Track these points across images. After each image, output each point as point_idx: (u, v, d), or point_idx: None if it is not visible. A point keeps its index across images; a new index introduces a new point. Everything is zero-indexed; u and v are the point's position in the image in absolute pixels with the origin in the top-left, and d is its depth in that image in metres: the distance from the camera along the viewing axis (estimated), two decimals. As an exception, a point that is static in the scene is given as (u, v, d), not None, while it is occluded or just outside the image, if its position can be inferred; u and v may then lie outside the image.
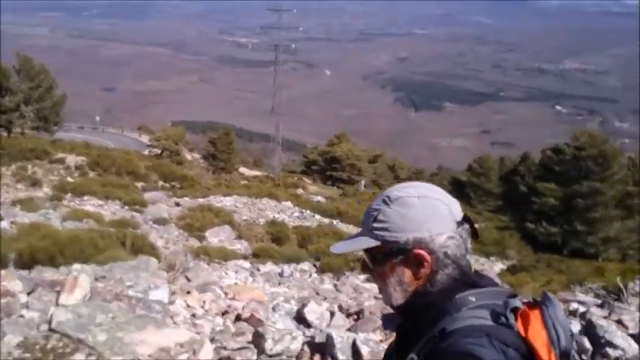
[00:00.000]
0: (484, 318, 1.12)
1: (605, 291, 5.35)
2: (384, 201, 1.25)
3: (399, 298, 1.25)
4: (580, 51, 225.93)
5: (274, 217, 15.76)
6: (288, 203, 18.77)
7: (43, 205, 12.78)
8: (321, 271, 10.38)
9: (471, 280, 1.22)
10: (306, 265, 10.07)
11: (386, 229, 1.22)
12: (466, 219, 1.25)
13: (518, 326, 1.10)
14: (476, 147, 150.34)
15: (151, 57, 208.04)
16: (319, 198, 21.93)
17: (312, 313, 4.40)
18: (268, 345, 3.24)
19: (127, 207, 14.26)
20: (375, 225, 1.24)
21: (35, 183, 17.75)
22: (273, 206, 17.43)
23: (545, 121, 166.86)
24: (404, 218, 1.21)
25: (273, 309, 4.44)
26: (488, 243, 17.29)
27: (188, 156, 31.40)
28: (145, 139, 42.86)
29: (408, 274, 1.23)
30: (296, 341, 3.37)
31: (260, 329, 3.33)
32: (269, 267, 8.71)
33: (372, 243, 1.24)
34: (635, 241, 18.07)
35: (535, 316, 1.11)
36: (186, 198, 17.55)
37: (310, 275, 8.93)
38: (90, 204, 14.29)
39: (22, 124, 25.51)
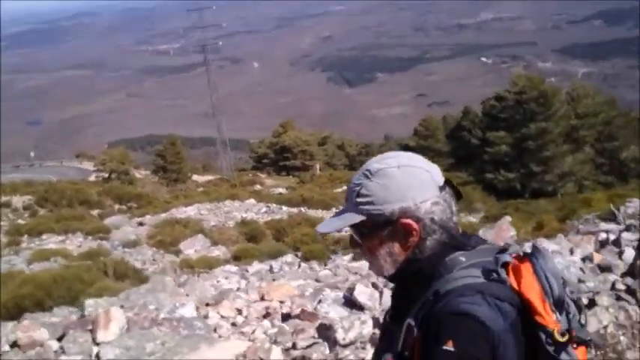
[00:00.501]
0: (476, 276, 1.13)
1: (600, 218, 5.56)
2: (364, 175, 1.24)
3: (389, 269, 1.26)
4: (491, 1, 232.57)
5: (242, 217, 15.56)
6: (252, 201, 18.57)
7: (3, 253, 12.13)
8: (305, 259, 10.36)
9: (459, 241, 1.23)
10: (289, 257, 10.01)
11: (370, 203, 1.22)
12: (447, 182, 1.26)
13: (511, 280, 1.12)
14: (414, 111, 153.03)
15: (71, 81, 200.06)
16: (280, 190, 21.81)
17: (362, 294, 4.32)
18: (340, 335, 3.17)
19: (90, 237, 13.74)
20: (359, 200, 1.23)
21: (-15, 232, 16.79)
22: (238, 206, 17.20)
23: (474, 73, 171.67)
24: (386, 190, 1.21)
25: (320, 301, 4.34)
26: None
27: (137, 174, 30.48)
28: (87, 165, 41.31)
29: (397, 244, 1.24)
30: (366, 325, 3.30)
31: (324, 321, 3.25)
32: (256, 266, 8.60)
33: (358, 218, 1.23)
34: (589, 171, 18.94)
35: (526, 268, 1.13)
36: (147, 216, 17.07)
37: (299, 266, 8.87)
38: (51, 242, 13.70)
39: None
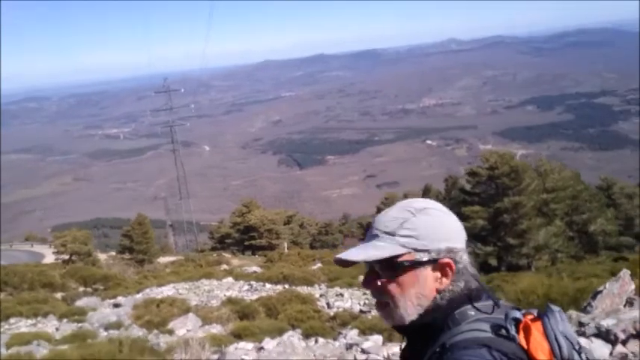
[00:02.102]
0: (484, 330, 1.13)
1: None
2: (407, 210, 1.24)
3: (413, 313, 1.22)
4: (433, 88, 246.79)
5: (225, 295, 14.96)
6: (230, 279, 17.97)
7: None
8: (306, 336, 10.02)
9: (475, 293, 1.23)
10: (295, 333, 9.63)
11: (414, 237, 1.20)
12: None
13: (520, 338, 1.10)
14: (364, 192, 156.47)
15: (16, 165, 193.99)
16: (255, 268, 21.24)
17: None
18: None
19: (65, 319, 12.80)
20: (402, 233, 1.21)
21: (-59, 321, 15.46)
22: (218, 285, 16.58)
23: (420, 155, 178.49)
24: (432, 228, 1.21)
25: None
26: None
27: (100, 255, 29.20)
28: (38, 249, 39.31)
29: (430, 284, 1.22)
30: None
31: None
32: (271, 343, 8.15)
33: (400, 250, 1.20)
34: (561, 244, 19.57)
35: (537, 327, 1.12)
36: (120, 297, 16.19)
37: (316, 342, 8.48)
38: (21, 325, 12.70)
39: None
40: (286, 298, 13.37)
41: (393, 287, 1.22)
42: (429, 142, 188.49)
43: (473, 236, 19.89)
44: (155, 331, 10.42)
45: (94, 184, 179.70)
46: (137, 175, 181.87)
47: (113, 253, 33.37)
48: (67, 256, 24.92)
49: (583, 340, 3.33)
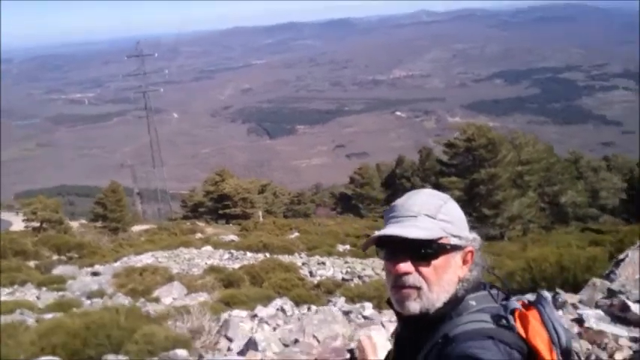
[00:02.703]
0: (485, 321, 1.14)
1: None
2: (438, 197, 1.26)
3: (441, 300, 1.21)
4: (403, 60, 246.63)
5: (206, 263, 14.92)
6: (209, 248, 17.91)
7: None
8: (296, 304, 10.08)
9: (481, 284, 1.26)
10: (285, 302, 9.67)
11: (450, 223, 1.22)
12: None
13: (518, 327, 1.12)
14: (334, 162, 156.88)
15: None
16: (232, 237, 21.19)
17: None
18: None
19: (44, 288, 12.57)
20: (441, 217, 1.22)
21: None
22: (198, 254, 16.50)
23: (389, 127, 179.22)
24: (460, 215, 1.26)
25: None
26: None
27: (72, 223, 28.59)
28: (5, 216, 38.26)
29: (456, 271, 1.23)
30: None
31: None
32: (265, 311, 8.19)
33: (441, 233, 1.21)
34: (533, 214, 20.12)
35: (533, 316, 1.14)
36: (97, 266, 15.98)
37: (309, 309, 8.55)
38: (2, 293, 12.40)
39: None
40: (269, 266, 13.40)
41: (429, 271, 1.20)
42: (398, 113, 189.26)
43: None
44: (142, 300, 10.35)
45: (59, 150, 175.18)
46: (103, 141, 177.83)
47: (84, 221, 32.75)
48: (37, 224, 24.36)
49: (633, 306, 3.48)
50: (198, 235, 25.53)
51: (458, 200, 1.34)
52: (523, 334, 1.09)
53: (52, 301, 10.57)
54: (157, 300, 10.62)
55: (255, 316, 8.04)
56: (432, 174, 30.16)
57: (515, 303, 1.15)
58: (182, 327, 5.87)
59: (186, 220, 36.78)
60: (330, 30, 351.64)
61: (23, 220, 25.80)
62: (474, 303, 1.18)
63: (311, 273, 13.43)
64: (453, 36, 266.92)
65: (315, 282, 12.42)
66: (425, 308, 1.20)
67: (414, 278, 1.20)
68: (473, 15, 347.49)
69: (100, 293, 11.64)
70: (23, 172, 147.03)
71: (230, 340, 5.72)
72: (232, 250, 16.67)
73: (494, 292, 1.23)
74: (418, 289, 1.20)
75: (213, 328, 5.85)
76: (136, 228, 31.02)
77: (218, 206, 34.51)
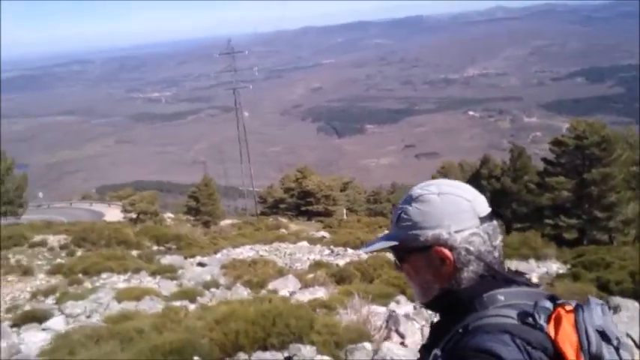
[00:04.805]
0: (510, 317, 1.10)
1: None
2: (406, 200, 1.26)
3: (424, 296, 1.26)
4: (477, 58, 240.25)
5: (308, 258, 14.78)
6: (305, 243, 17.79)
7: (76, 291, 11.20)
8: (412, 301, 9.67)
9: (501, 277, 1.19)
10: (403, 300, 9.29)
11: (408, 227, 1.22)
12: (495, 214, 1.23)
13: (549, 328, 1.07)
14: (402, 162, 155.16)
15: (61, 127, 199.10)
16: (322, 233, 21.04)
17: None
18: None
19: (159, 276, 12.81)
20: (399, 224, 1.24)
21: (27, 271, 15.83)
22: (297, 249, 16.42)
23: (461, 127, 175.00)
24: (423, 215, 1.20)
25: None
26: (517, 246, 16.94)
27: (167, 215, 29.54)
28: (97, 207, 40.13)
29: (430, 272, 1.22)
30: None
31: None
32: (403, 308, 7.83)
33: (392, 242, 1.24)
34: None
35: (568, 319, 1.08)
36: (198, 257, 16.21)
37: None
38: (114, 281, 12.81)
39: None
40: (377, 263, 13.08)
41: (405, 273, 1.28)
42: (471, 113, 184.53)
43: (555, 208, 19.14)
44: (263, 291, 10.28)
45: (136, 146, 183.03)
46: (177, 138, 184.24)
47: (170, 214, 33.75)
48: (134, 215, 25.29)
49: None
50: (282, 231, 25.64)
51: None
52: (553, 336, 1.06)
53: (177, 290, 10.72)
54: (274, 292, 10.53)
55: (394, 312, 7.69)
56: (523, 174, 28.87)
57: (548, 302, 1.11)
58: (347, 320, 5.61)
59: (265, 216, 37.19)
60: (400, 28, 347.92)
61: (122, 211, 26.90)
62: (502, 298, 1.14)
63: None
64: (530, 32, 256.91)
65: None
66: (417, 300, 1.33)
67: (405, 278, 1.31)
68: (552, 11, 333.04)
69: (215, 284, 11.73)
70: (103, 168, 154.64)
71: (402, 335, 5.40)
72: (332, 247, 16.48)
73: (533, 290, 1.18)
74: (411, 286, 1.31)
75: (375, 322, 5.57)
76: (224, 222, 31.63)
77: (300, 203, 34.57)
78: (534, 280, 12.31)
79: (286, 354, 4.68)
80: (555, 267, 13.60)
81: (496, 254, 1.21)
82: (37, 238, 18.55)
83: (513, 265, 14.17)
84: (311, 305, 7.38)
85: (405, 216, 1.22)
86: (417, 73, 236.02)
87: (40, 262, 17.33)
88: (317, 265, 13.40)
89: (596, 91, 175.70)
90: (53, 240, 18.77)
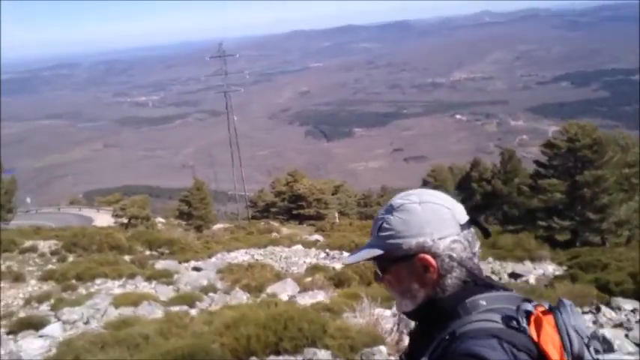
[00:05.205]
0: (494, 321, 1.12)
1: None
2: (387, 209, 1.27)
3: (408, 305, 1.26)
4: (463, 62, 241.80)
5: (304, 262, 14.73)
6: (299, 247, 17.73)
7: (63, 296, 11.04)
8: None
9: (481, 283, 1.22)
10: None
11: (390, 237, 1.23)
12: (473, 221, 1.26)
13: (531, 331, 1.10)
14: (391, 165, 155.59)
15: (47, 131, 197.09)
16: (316, 237, 20.99)
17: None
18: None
19: (155, 281, 12.68)
20: (380, 234, 1.25)
21: (18, 277, 15.60)
22: (292, 252, 16.35)
23: (449, 130, 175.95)
24: (406, 224, 1.22)
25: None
26: (510, 248, 17.05)
27: (157, 220, 29.28)
28: (86, 212, 39.73)
29: (415, 280, 1.24)
30: None
31: None
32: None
33: (377, 252, 1.25)
34: (643, 220, 18.91)
35: (548, 321, 1.11)
36: (192, 262, 16.10)
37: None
38: (108, 286, 12.67)
39: (-25, 217, 22.63)
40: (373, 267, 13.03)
41: (386, 284, 1.29)
42: (458, 116, 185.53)
43: (547, 209, 19.31)
44: (263, 295, 10.21)
45: (124, 150, 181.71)
46: (165, 143, 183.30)
47: (161, 219, 33.49)
48: (125, 220, 25.05)
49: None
50: (274, 235, 25.53)
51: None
52: (535, 338, 1.08)
53: (174, 295, 10.61)
54: (274, 296, 10.47)
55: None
56: (514, 176, 29.04)
57: (530, 305, 1.13)
58: (356, 323, 5.56)
59: (256, 220, 37.04)
60: (388, 32, 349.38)
61: (113, 216, 26.64)
62: (484, 303, 1.16)
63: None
64: (516, 37, 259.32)
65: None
66: (399, 310, 1.31)
67: (386, 288, 1.32)
68: (537, 15, 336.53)
69: (213, 288, 11.64)
70: (90, 172, 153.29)
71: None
72: (327, 250, 16.43)
73: (511, 294, 1.20)
74: (392, 296, 1.31)
75: (385, 325, 5.53)
76: (216, 226, 31.44)
77: (291, 206, 34.48)
78: (532, 281, 12.38)
79: (300, 358, 4.64)
80: (551, 268, 13.68)
81: (476, 260, 1.24)
82: (27, 243, 18.33)
83: (509, 267, 14.24)
84: (314, 309, 7.34)
85: (387, 225, 1.23)
86: (405, 76, 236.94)
87: (30, 268, 17.09)
88: (314, 268, 13.39)
89: (581, 94, 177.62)
90: (44, 245, 18.55)
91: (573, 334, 1.09)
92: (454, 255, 1.19)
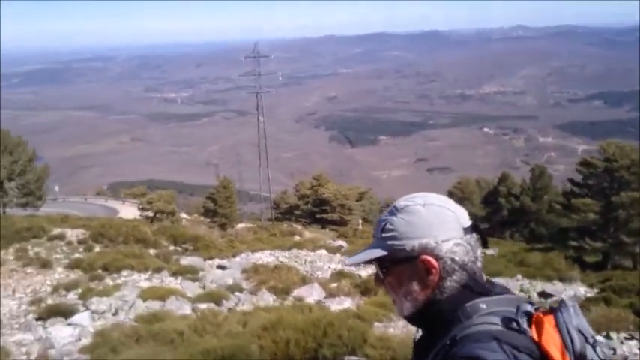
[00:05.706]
0: (495, 323, 1.13)
1: None
2: (391, 211, 1.27)
3: (409, 308, 1.26)
4: (494, 75, 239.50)
5: (329, 267, 14.62)
6: (324, 251, 17.62)
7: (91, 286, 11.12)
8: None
9: (481, 287, 1.22)
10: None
11: (393, 238, 1.24)
12: (475, 227, 1.25)
13: (532, 331, 1.10)
14: (414, 175, 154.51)
15: (77, 121, 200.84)
16: (340, 242, 20.86)
17: None
18: None
19: (180, 277, 12.70)
20: (384, 235, 1.25)
21: (45, 264, 15.80)
22: (320, 256, 16.25)
23: (475, 143, 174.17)
24: (409, 225, 1.22)
25: None
26: (540, 266, 16.68)
27: (183, 216, 29.50)
28: (112, 204, 40.24)
29: (416, 282, 1.24)
30: None
31: None
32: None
33: (380, 252, 1.25)
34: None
35: (549, 321, 1.11)
36: (217, 259, 16.11)
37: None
38: (134, 279, 12.74)
39: (8, 202, 23.06)
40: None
41: (387, 286, 1.28)
42: (485, 129, 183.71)
43: (580, 230, 18.92)
44: (290, 298, 10.15)
45: (150, 145, 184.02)
46: (191, 139, 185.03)
47: (185, 215, 33.70)
48: (151, 214, 25.30)
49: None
50: (297, 238, 25.47)
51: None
52: (536, 339, 1.09)
53: (201, 291, 10.62)
54: (300, 300, 10.39)
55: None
56: (543, 194, 28.50)
57: (529, 306, 1.14)
58: (391, 333, 5.44)
59: (278, 222, 37.05)
60: (420, 42, 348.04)
61: (139, 209, 26.94)
62: (484, 306, 1.16)
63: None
64: (549, 53, 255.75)
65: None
66: (400, 314, 1.29)
67: (386, 291, 1.31)
68: (573, 32, 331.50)
69: (238, 287, 11.61)
70: (116, 164, 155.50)
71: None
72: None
73: (510, 296, 1.21)
74: (393, 299, 1.30)
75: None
76: (239, 226, 31.51)
77: (315, 210, 34.41)
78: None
79: (340, 366, 4.55)
80: (583, 290, 13.34)
81: (478, 264, 1.23)
82: (56, 231, 18.57)
83: (539, 285, 13.92)
84: (346, 316, 7.21)
85: (391, 227, 1.23)
86: (434, 87, 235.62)
87: (58, 256, 17.30)
88: (339, 274, 13.24)
89: (614, 115, 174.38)
90: (71, 234, 18.75)
91: (574, 333, 1.09)
92: (456, 258, 1.19)
